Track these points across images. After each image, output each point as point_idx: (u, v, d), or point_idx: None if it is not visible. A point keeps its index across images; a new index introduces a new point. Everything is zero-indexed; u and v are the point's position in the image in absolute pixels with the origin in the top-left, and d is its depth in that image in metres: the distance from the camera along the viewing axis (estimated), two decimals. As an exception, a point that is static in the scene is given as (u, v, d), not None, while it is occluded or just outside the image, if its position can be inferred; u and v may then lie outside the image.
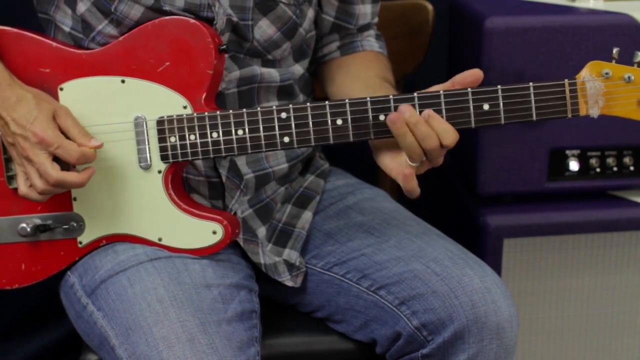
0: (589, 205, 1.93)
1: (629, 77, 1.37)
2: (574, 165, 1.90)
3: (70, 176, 1.41)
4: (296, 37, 1.58)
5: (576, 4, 1.91)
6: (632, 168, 1.92)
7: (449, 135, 1.38)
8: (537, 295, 1.95)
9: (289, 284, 1.58)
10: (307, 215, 1.63)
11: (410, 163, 1.40)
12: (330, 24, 1.66)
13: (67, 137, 1.42)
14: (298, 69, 1.63)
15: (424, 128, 1.37)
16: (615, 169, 1.91)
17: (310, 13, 1.61)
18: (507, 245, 1.91)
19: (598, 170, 1.91)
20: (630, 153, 1.91)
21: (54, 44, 1.49)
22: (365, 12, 1.67)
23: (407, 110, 1.37)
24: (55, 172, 1.39)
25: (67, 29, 1.53)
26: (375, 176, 2.01)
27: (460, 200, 2.03)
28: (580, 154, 1.90)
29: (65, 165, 1.42)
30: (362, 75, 1.61)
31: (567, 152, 1.90)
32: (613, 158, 1.91)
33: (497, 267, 1.89)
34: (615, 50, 1.38)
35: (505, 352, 1.47)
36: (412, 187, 1.40)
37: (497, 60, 1.81)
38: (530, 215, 1.90)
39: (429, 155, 1.39)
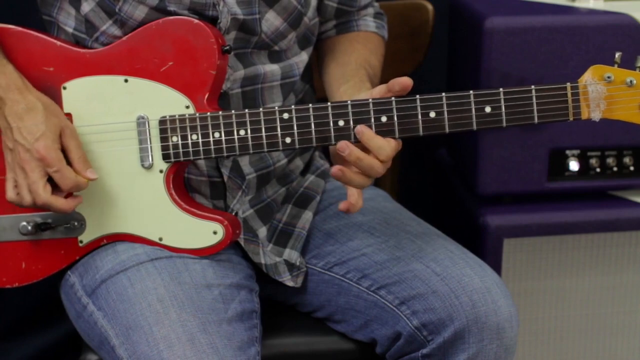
0: (589, 205, 1.92)
1: (630, 81, 1.37)
2: (574, 165, 1.90)
3: (58, 202, 1.41)
4: (301, 26, 1.59)
5: (576, 4, 1.91)
6: (632, 168, 1.92)
7: (384, 151, 1.39)
8: (537, 295, 1.95)
9: (290, 284, 1.58)
10: (307, 215, 1.63)
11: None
12: (334, 10, 1.67)
13: (67, 156, 1.42)
14: (304, 56, 1.63)
15: (367, 161, 1.38)
16: (615, 169, 1.91)
17: (314, 1, 1.61)
18: (507, 245, 1.91)
19: (598, 170, 1.91)
20: (630, 153, 1.91)
21: (58, 42, 1.49)
22: None
23: (345, 149, 1.38)
24: (45, 194, 1.39)
25: (70, 30, 1.53)
26: (375, 176, 2.01)
27: (460, 200, 2.03)
28: (580, 154, 1.90)
29: (55, 185, 1.42)
30: (345, 60, 1.62)
31: (567, 152, 1.90)
32: (613, 158, 1.91)
33: (497, 267, 1.89)
34: (617, 55, 1.38)
35: (505, 352, 1.47)
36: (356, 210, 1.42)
37: (497, 61, 1.81)
38: (530, 215, 1.90)
39: (375, 177, 1.41)
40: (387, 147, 1.39)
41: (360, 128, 1.39)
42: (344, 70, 1.59)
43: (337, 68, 1.62)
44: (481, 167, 1.88)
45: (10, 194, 1.43)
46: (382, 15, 1.73)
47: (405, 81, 1.39)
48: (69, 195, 1.43)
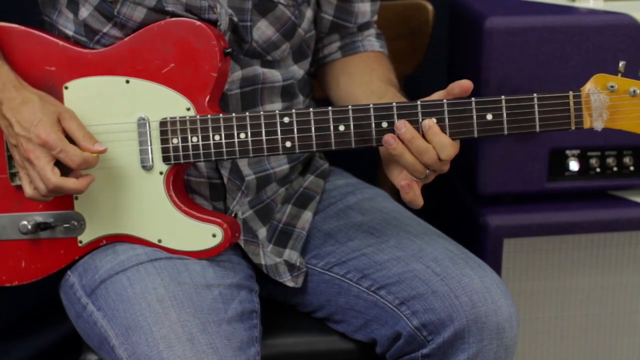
0: (589, 205, 1.93)
1: (634, 91, 1.36)
2: (574, 165, 1.90)
3: (68, 182, 1.40)
4: (295, 38, 1.58)
5: (576, 4, 1.91)
6: (632, 168, 1.92)
7: (447, 150, 1.37)
8: (537, 295, 1.95)
9: (290, 284, 1.58)
10: (307, 216, 1.63)
11: (415, 178, 1.40)
12: (330, 23, 1.66)
13: (72, 140, 1.42)
14: (297, 70, 1.62)
15: (420, 142, 1.37)
16: (615, 169, 1.92)
17: (309, 13, 1.61)
18: (507, 245, 1.91)
19: (598, 170, 1.91)
20: (630, 153, 1.91)
21: (60, 42, 1.49)
22: (365, 10, 1.67)
23: (402, 127, 1.38)
24: (54, 177, 1.39)
25: (70, 33, 1.53)
26: (375, 176, 2.01)
27: (460, 200, 2.03)
28: (580, 154, 1.90)
29: (66, 169, 1.42)
30: (366, 80, 1.61)
31: (567, 152, 1.90)
32: (613, 158, 1.91)
33: (497, 267, 1.89)
34: (621, 64, 1.37)
35: (505, 352, 1.47)
36: (411, 197, 1.40)
37: (497, 61, 1.81)
38: (530, 215, 1.90)
39: (430, 167, 1.39)
40: (450, 146, 1.38)
41: (428, 122, 1.38)
42: (371, 89, 1.57)
43: (360, 87, 1.60)
44: (481, 167, 1.88)
45: (28, 190, 1.43)
46: (382, 35, 1.73)
47: (466, 84, 1.38)
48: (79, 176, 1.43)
